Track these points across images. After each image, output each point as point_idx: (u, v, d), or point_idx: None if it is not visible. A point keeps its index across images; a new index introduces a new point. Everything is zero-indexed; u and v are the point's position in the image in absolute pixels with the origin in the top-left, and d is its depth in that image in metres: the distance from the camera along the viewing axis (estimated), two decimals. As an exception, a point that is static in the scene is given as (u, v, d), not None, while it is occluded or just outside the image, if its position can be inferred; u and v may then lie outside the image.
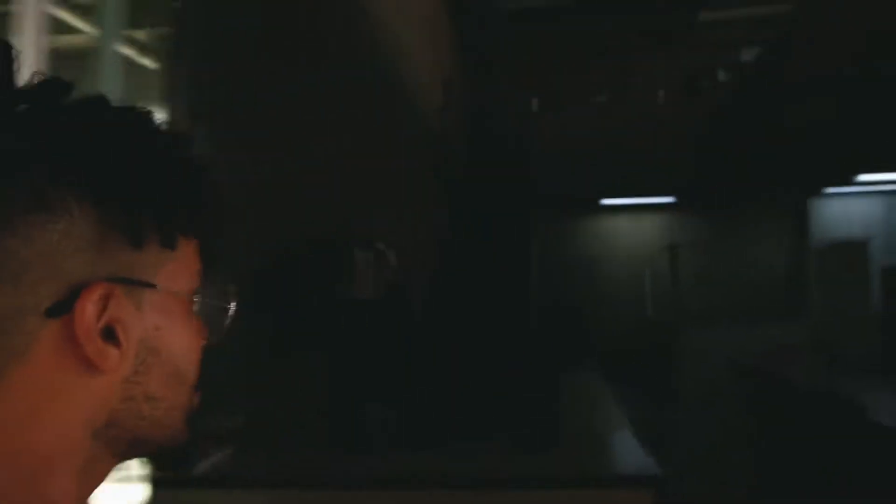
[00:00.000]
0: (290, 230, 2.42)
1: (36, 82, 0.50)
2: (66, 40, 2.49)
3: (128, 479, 1.61)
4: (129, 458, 0.55)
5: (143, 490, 1.68)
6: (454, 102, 7.25)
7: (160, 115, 0.56)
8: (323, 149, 2.98)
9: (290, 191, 2.51)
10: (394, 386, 2.38)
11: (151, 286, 0.52)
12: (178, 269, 0.55)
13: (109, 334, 0.50)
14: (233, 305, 0.61)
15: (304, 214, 2.55)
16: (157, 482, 1.70)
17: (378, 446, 2.09)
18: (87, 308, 0.48)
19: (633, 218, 9.17)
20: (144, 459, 0.59)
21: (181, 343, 0.55)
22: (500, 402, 2.31)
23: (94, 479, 0.53)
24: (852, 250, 6.97)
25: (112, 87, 1.94)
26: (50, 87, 0.50)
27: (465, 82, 8.50)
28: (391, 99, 4.56)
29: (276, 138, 2.37)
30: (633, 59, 9.26)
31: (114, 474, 0.56)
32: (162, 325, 0.53)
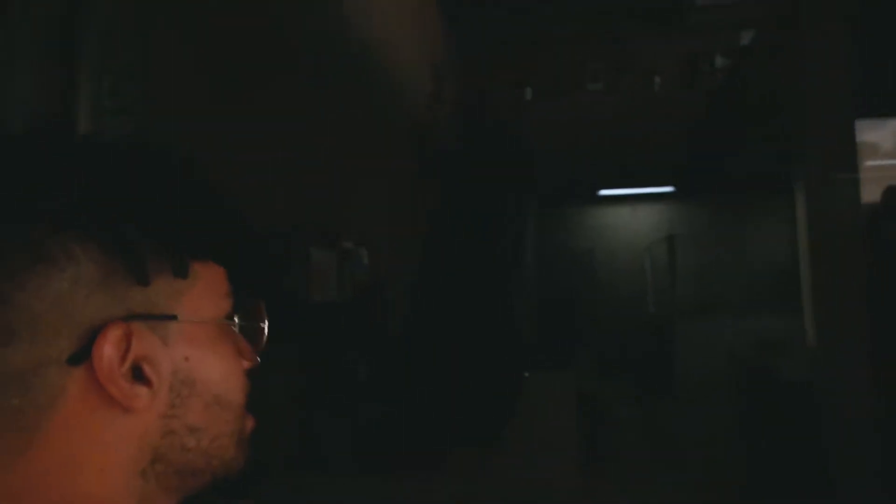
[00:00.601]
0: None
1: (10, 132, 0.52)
2: None
3: None
4: (185, 492, 0.55)
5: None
6: (444, 91, 7.09)
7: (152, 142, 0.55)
8: (284, 138, 2.83)
9: (242, 183, 2.37)
10: (363, 398, 2.24)
11: (172, 318, 0.51)
12: (202, 296, 0.54)
13: (138, 373, 0.49)
14: (265, 324, 0.60)
15: (257, 209, 2.41)
16: None
17: (336, 465, 1.95)
18: (106, 351, 0.47)
19: (632, 208, 9.02)
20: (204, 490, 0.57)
21: (217, 370, 0.54)
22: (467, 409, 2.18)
23: None
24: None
25: None
26: (34, 135, 0.51)
27: (456, 70, 8.34)
28: (371, 85, 4.41)
29: (223, 123, 2.23)
30: (629, 46, 9.08)
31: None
32: (192, 354, 0.53)
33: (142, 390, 0.49)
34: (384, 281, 3.48)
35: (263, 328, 0.60)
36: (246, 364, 0.58)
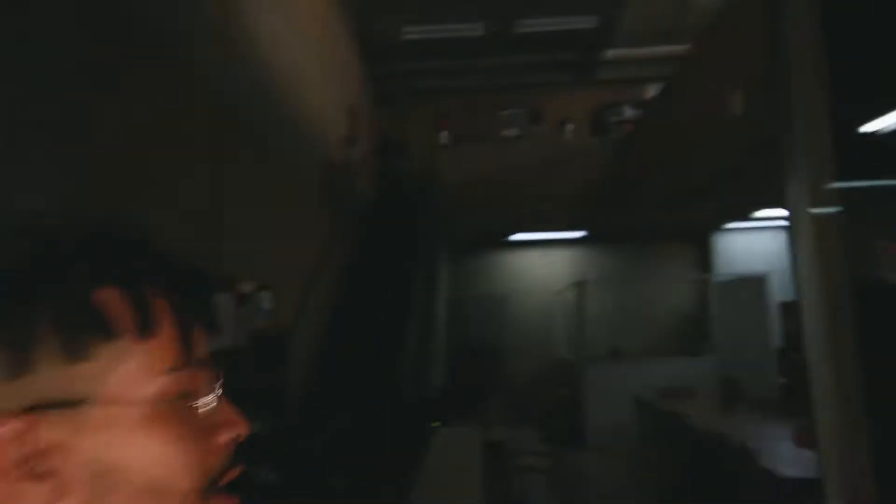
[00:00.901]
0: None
1: None
2: None
3: None
4: None
5: None
6: (357, 134, 7.04)
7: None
8: (186, 178, 2.69)
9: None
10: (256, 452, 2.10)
11: (80, 403, 0.45)
12: (135, 374, 0.47)
13: (44, 467, 0.44)
14: (213, 396, 0.51)
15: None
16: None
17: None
18: None
19: (543, 254, 9.15)
20: None
21: (150, 454, 0.47)
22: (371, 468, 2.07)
23: None
24: (750, 285, 7.10)
25: None
26: None
27: (371, 114, 8.32)
28: (282, 127, 4.30)
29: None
30: (542, 95, 9.35)
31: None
32: (114, 440, 0.46)
33: (40, 488, 0.44)
34: (287, 327, 3.34)
35: (208, 403, 0.52)
36: (222, 439, 0.51)
